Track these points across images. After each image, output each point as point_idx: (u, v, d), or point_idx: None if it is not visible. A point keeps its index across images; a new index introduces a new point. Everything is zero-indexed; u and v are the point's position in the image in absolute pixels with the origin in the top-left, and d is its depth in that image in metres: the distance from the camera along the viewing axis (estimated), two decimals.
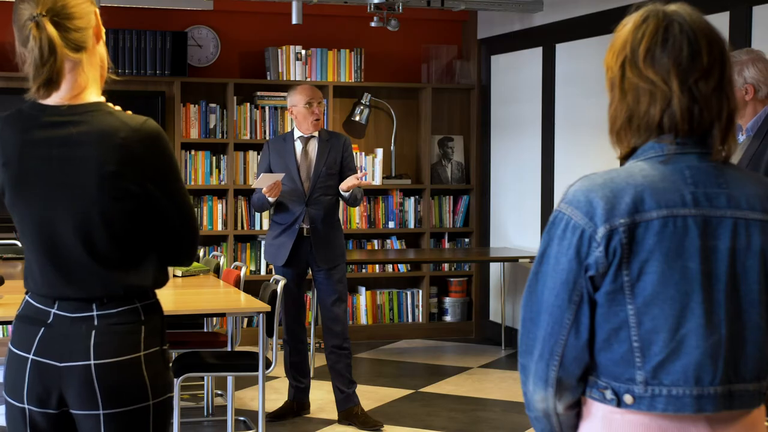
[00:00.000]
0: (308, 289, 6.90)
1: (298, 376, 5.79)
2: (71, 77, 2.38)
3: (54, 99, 2.40)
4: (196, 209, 2.62)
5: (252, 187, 5.52)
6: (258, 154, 7.91)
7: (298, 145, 5.69)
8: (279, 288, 4.94)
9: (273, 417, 5.70)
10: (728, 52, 1.83)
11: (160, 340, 2.47)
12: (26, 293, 2.49)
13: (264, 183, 5.50)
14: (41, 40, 2.32)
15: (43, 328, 2.41)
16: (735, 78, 3.91)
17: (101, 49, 2.46)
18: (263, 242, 7.85)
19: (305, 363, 5.81)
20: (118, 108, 2.44)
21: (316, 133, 5.71)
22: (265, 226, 7.89)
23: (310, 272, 5.80)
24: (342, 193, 5.62)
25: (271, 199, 5.56)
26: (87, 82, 2.41)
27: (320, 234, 5.64)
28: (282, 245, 5.66)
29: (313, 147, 5.69)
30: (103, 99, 2.44)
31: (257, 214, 7.93)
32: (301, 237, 5.64)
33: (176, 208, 2.45)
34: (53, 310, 2.41)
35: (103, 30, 2.47)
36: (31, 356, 2.40)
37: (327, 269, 5.67)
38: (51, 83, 2.35)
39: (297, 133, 5.72)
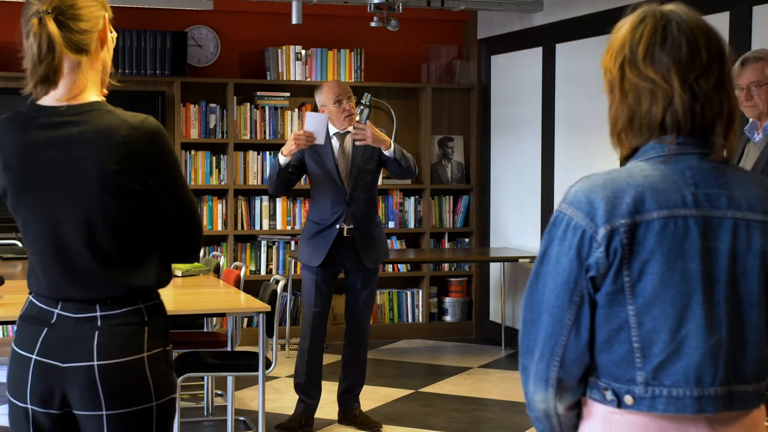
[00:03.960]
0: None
1: (314, 392, 5.55)
2: (70, 78, 2.38)
3: (52, 99, 2.39)
4: None
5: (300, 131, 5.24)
6: (258, 154, 7.91)
7: (335, 143, 5.46)
8: (279, 288, 4.94)
9: (282, 428, 5.53)
10: (726, 50, 1.84)
11: (163, 341, 2.47)
12: (30, 293, 2.50)
13: (313, 124, 5.23)
14: (41, 37, 2.32)
15: (46, 329, 2.41)
16: (763, 76, 3.96)
17: (105, 55, 2.45)
18: (268, 247, 7.84)
19: (320, 376, 5.60)
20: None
21: (351, 128, 5.47)
22: (266, 226, 7.90)
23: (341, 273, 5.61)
24: (384, 153, 5.34)
25: (282, 160, 5.27)
26: (86, 84, 2.40)
27: (365, 234, 5.44)
28: (318, 246, 5.42)
29: (349, 143, 5.48)
30: (102, 99, 2.44)
31: (257, 215, 7.92)
32: (341, 238, 5.42)
33: (179, 204, 2.45)
34: (56, 311, 2.41)
35: (113, 36, 2.47)
36: (34, 356, 2.40)
37: (369, 270, 5.47)
38: (48, 81, 2.35)
39: (332, 130, 5.47)
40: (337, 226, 5.41)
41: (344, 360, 5.67)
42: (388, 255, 5.64)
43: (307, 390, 5.52)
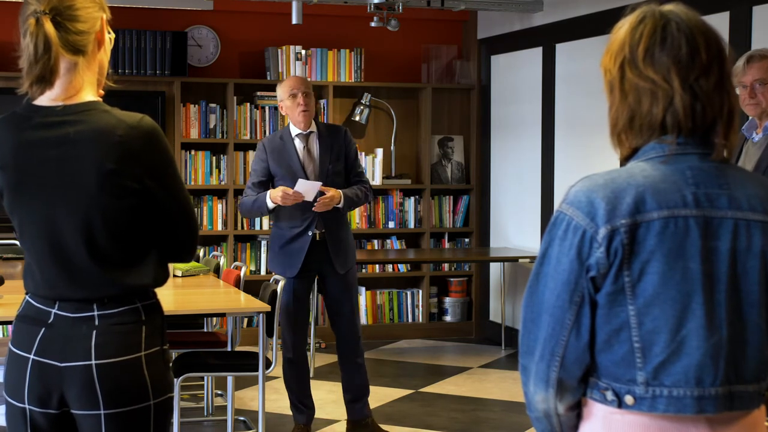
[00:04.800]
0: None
1: (308, 401, 5.40)
2: (66, 78, 2.38)
3: (48, 99, 2.39)
4: (196, 209, 2.56)
5: (287, 193, 5.06)
6: None
7: (299, 144, 5.25)
8: (279, 288, 4.92)
9: None
10: (726, 49, 1.84)
11: (160, 340, 2.47)
12: (26, 293, 2.49)
13: (303, 188, 5.07)
14: (37, 37, 2.32)
15: (43, 329, 2.41)
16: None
17: (102, 56, 2.45)
18: (268, 247, 7.78)
19: (309, 385, 5.42)
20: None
21: (314, 129, 5.27)
22: (266, 226, 7.88)
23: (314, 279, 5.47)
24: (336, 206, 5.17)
25: (271, 205, 5.12)
26: (82, 84, 2.40)
27: (336, 238, 5.24)
28: (292, 255, 5.22)
29: (315, 144, 5.27)
30: (98, 99, 2.44)
31: None
32: (314, 243, 5.22)
33: (176, 204, 2.45)
34: (54, 311, 2.41)
35: (110, 37, 2.46)
36: (31, 356, 2.40)
37: (343, 274, 5.28)
38: (44, 81, 2.35)
39: (294, 131, 5.26)
40: (310, 233, 5.21)
41: (343, 369, 5.43)
42: (355, 258, 5.42)
43: (304, 400, 5.39)
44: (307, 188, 5.10)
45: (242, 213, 5.43)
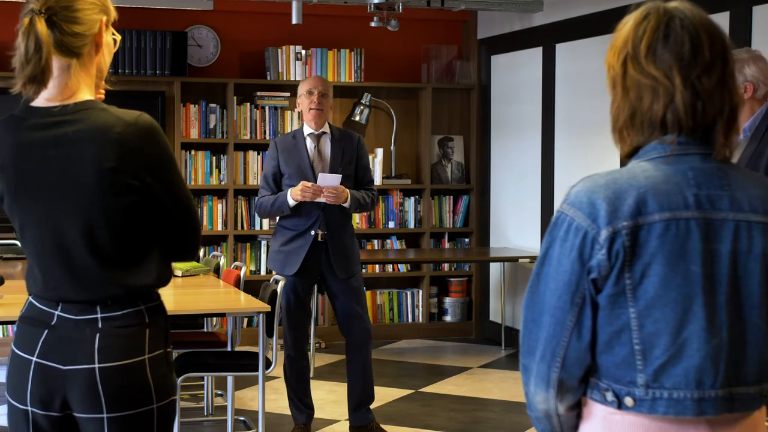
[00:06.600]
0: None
1: (308, 400, 5.38)
2: (61, 79, 2.36)
3: (44, 100, 2.38)
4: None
5: (311, 188, 5.11)
6: (258, 154, 7.90)
7: (310, 144, 5.27)
8: (279, 288, 4.92)
9: None
10: (730, 48, 1.83)
11: (164, 343, 2.46)
12: (29, 295, 2.48)
13: (324, 182, 5.10)
14: (28, 37, 2.30)
15: (46, 331, 2.40)
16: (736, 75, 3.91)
17: (100, 59, 2.42)
18: (268, 247, 7.79)
19: (309, 384, 5.41)
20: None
21: (327, 130, 5.30)
22: (266, 226, 7.88)
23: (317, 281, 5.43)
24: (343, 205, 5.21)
25: (292, 203, 5.15)
26: (78, 86, 2.38)
27: (337, 242, 5.23)
28: (292, 253, 5.22)
29: (326, 145, 5.29)
30: (94, 98, 2.42)
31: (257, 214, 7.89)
32: (315, 244, 5.21)
33: (176, 200, 2.43)
34: (57, 312, 2.40)
35: (113, 39, 2.44)
36: (34, 359, 2.39)
37: (345, 279, 5.25)
38: (35, 81, 2.33)
39: (307, 130, 5.29)
40: (312, 232, 5.21)
41: (350, 373, 5.39)
42: (360, 266, 5.39)
43: (303, 399, 5.37)
44: (328, 182, 5.15)
45: (260, 214, 5.44)
